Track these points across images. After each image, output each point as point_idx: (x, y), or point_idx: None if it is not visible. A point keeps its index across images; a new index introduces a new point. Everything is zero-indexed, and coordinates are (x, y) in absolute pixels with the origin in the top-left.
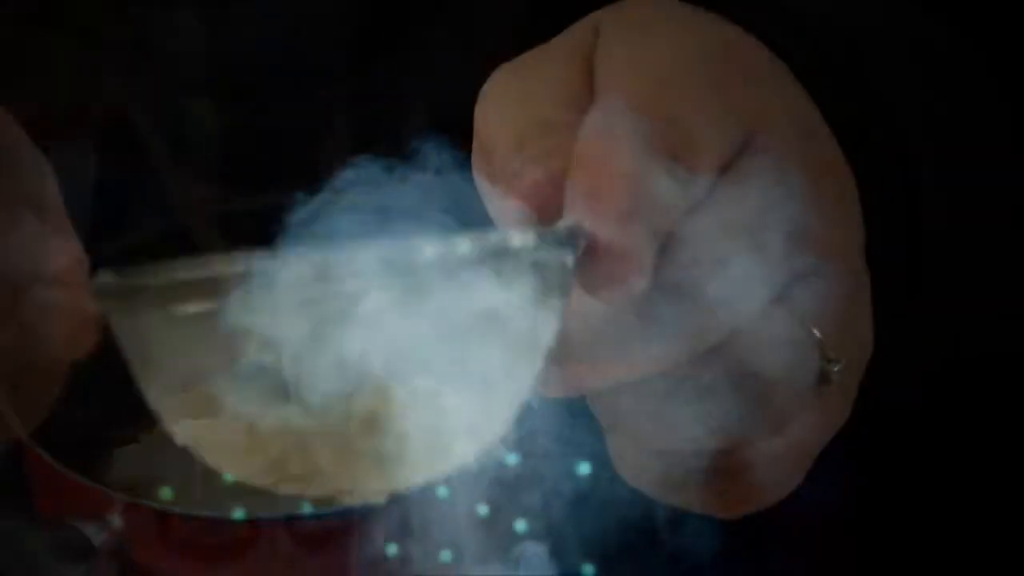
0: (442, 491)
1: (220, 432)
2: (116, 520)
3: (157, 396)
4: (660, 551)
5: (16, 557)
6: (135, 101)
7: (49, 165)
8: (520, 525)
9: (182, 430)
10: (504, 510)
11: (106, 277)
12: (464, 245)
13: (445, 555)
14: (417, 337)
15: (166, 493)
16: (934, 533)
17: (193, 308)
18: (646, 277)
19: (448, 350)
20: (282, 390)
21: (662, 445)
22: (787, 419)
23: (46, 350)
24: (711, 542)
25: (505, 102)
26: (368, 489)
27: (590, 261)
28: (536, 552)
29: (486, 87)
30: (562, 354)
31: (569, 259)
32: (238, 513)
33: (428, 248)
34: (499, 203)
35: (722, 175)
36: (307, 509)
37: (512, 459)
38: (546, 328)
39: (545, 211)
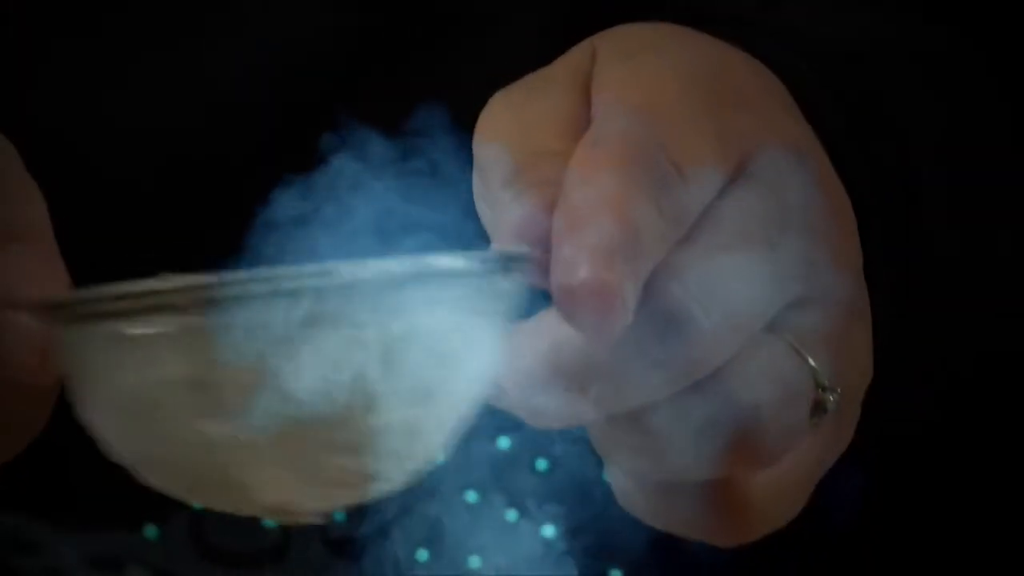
0: (471, 496)
1: (156, 449)
2: (150, 528)
3: (96, 414)
4: (686, 556)
5: (48, 568)
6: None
7: (39, 191)
8: (548, 530)
9: (121, 447)
10: (532, 515)
11: (54, 296)
12: (401, 267)
13: (474, 560)
14: (355, 358)
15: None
16: (949, 543)
17: (139, 327)
18: (628, 315)
19: (385, 371)
20: (221, 407)
21: (658, 476)
22: (781, 449)
23: (20, 375)
24: (734, 547)
25: (501, 131)
26: (304, 508)
27: (573, 296)
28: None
29: (483, 114)
30: (557, 385)
31: (505, 284)
32: (269, 520)
33: (368, 269)
34: (495, 232)
35: (715, 201)
36: (340, 516)
37: (541, 464)
38: (485, 352)
39: (540, 242)
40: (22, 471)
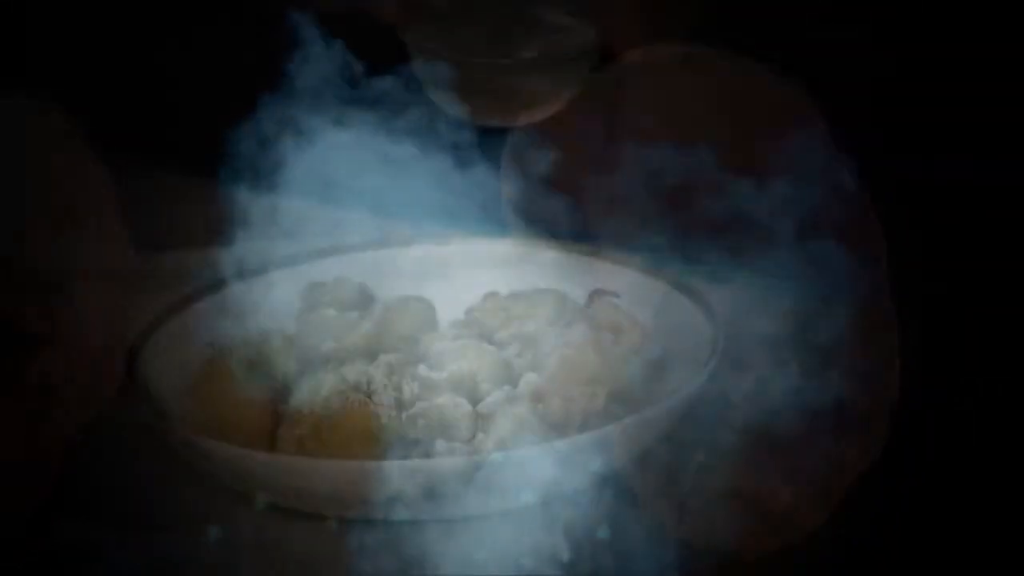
0: (529, 496)
1: (223, 420)
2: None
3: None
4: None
5: (112, 573)
6: None
7: (104, 169)
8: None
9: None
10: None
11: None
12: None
13: (528, 559)
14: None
15: (260, 501)
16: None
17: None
18: None
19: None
20: (283, 376)
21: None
22: (802, 467)
23: (90, 340)
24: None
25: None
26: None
27: None
28: None
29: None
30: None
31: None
32: (333, 514)
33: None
34: None
35: (743, 205)
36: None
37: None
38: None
39: None
40: (84, 478)
